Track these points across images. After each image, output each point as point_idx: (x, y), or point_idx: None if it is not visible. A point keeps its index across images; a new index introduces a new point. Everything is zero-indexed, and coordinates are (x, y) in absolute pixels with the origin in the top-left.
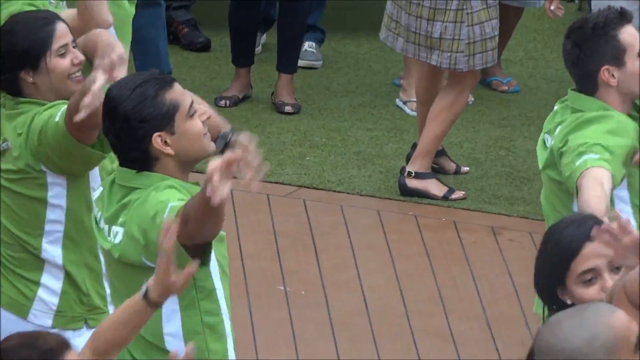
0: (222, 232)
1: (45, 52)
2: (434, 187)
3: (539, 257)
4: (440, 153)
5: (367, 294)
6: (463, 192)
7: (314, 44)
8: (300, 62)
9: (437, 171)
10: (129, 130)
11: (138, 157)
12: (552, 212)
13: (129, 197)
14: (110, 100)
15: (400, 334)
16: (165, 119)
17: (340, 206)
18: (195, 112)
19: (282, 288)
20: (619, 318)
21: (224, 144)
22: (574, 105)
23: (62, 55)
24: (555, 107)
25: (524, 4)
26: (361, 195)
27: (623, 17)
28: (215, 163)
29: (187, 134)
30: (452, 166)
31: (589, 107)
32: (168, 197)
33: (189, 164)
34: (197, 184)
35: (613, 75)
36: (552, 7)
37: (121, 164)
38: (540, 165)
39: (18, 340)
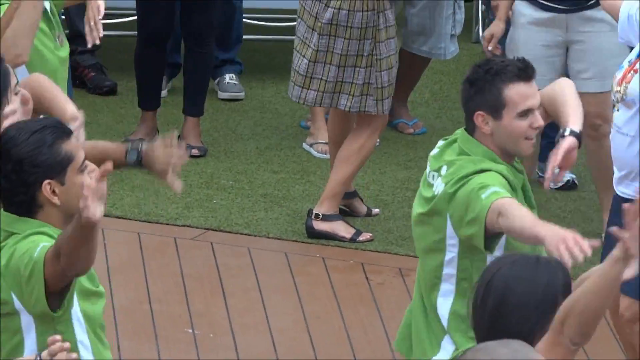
0: (101, 289)
1: None
2: (342, 229)
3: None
4: (353, 195)
5: (275, 336)
6: (370, 234)
7: (234, 75)
8: (224, 95)
9: (348, 213)
10: (20, 173)
11: (23, 202)
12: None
13: (6, 241)
14: (7, 141)
15: None
16: (58, 168)
17: (248, 248)
18: (86, 167)
19: (190, 331)
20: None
21: (136, 154)
22: (462, 145)
23: None
24: (440, 144)
25: (432, 55)
26: (268, 237)
27: (522, 72)
28: (89, 181)
29: (75, 187)
30: (363, 208)
31: (475, 151)
32: (36, 242)
33: (71, 218)
34: None
35: (487, 123)
36: (489, 47)
37: (5, 208)
38: (420, 204)
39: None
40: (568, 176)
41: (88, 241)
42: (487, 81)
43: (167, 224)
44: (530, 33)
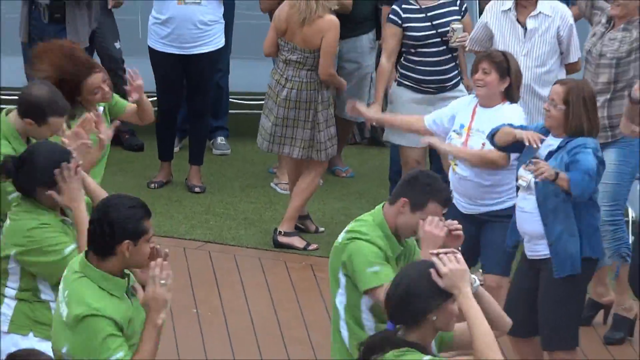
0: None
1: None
2: (297, 241)
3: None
4: (306, 217)
5: (253, 317)
6: (317, 245)
7: (224, 138)
8: (217, 152)
9: (302, 230)
10: (113, 229)
11: (105, 247)
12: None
13: (79, 280)
14: (110, 206)
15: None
16: (137, 236)
17: (234, 255)
18: (151, 238)
19: (195, 311)
20: None
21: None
22: (375, 213)
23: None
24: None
25: (355, 119)
26: (247, 247)
27: (447, 201)
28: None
29: (142, 252)
30: (313, 227)
31: (377, 218)
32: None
33: (129, 268)
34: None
35: (403, 206)
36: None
37: (89, 244)
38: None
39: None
40: None
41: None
42: (425, 189)
43: (179, 238)
44: (410, 107)
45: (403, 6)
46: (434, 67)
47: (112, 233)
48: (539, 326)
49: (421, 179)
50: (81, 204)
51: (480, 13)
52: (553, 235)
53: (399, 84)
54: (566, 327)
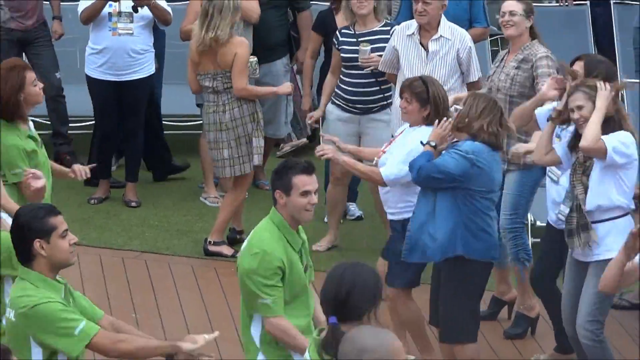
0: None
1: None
2: (226, 249)
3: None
4: (237, 231)
5: (187, 317)
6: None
7: None
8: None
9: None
10: (21, 234)
11: (23, 252)
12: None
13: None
14: (18, 213)
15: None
16: (45, 232)
17: (168, 263)
18: (67, 234)
19: (134, 315)
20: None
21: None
22: (271, 216)
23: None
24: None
25: (275, 135)
26: (180, 256)
27: (306, 169)
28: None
29: (57, 247)
30: (244, 239)
31: (275, 219)
32: (69, 319)
33: (56, 268)
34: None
35: (282, 198)
36: (309, 121)
37: (16, 255)
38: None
39: None
40: (358, 212)
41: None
42: (283, 171)
43: (117, 249)
44: (337, 125)
45: (342, 30)
46: (359, 88)
47: (22, 235)
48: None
49: (279, 168)
50: None
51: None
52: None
53: (332, 102)
54: (458, 319)
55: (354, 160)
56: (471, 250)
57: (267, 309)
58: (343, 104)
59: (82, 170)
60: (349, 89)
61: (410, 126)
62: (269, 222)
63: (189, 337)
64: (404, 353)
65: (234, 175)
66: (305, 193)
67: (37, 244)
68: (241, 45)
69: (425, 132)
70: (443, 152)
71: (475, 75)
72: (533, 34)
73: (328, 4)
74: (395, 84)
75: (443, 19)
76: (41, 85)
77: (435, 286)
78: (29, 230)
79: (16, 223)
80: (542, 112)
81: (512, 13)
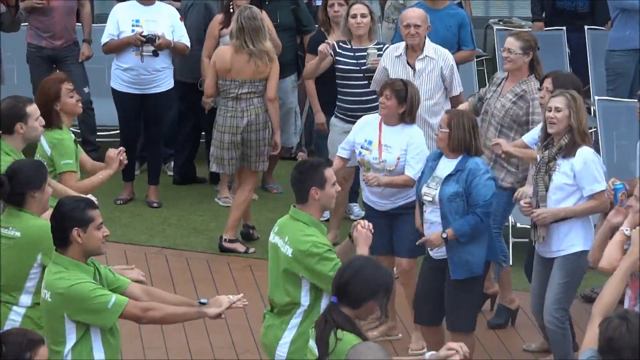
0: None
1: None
2: (239, 246)
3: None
4: (251, 228)
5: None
6: (254, 249)
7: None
8: (170, 173)
9: (247, 237)
10: (61, 221)
11: (61, 239)
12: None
13: (50, 267)
14: (60, 202)
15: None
16: (83, 222)
17: (186, 258)
18: (102, 226)
19: None
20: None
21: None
22: (293, 215)
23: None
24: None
25: (285, 144)
26: (197, 252)
27: (327, 162)
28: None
29: (92, 237)
30: (256, 235)
31: (302, 217)
32: (103, 294)
33: (88, 255)
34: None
35: (317, 193)
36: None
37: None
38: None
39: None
40: (362, 212)
41: (185, 321)
42: (314, 169)
43: (140, 245)
44: (342, 137)
45: (340, 44)
46: (357, 97)
47: (62, 223)
48: (445, 312)
49: (307, 167)
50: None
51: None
52: (450, 243)
53: (335, 115)
54: (465, 313)
55: (388, 178)
56: (489, 253)
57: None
58: (345, 115)
59: (116, 154)
60: (349, 99)
61: (385, 123)
62: (297, 223)
63: (215, 301)
64: None
65: (253, 168)
66: (334, 183)
67: (75, 232)
68: (275, 61)
69: (416, 133)
70: (455, 176)
71: (457, 90)
72: (532, 68)
73: None
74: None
75: (427, 40)
76: (79, 97)
77: (422, 288)
78: (69, 219)
79: (58, 211)
80: (530, 140)
81: (509, 50)
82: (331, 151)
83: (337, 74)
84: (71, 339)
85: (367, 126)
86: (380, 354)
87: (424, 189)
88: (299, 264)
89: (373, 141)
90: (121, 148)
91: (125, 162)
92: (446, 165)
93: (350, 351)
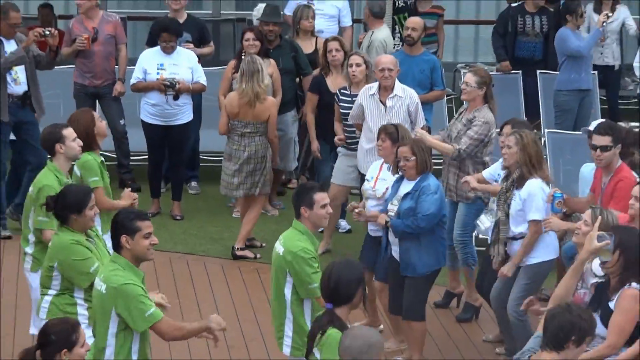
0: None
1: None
2: (249, 253)
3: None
4: (252, 239)
5: (217, 301)
6: (260, 255)
7: (196, 182)
8: (191, 191)
9: (251, 246)
10: (115, 229)
11: (115, 244)
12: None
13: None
14: (117, 213)
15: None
16: (131, 230)
17: (204, 262)
18: (150, 235)
19: (177, 300)
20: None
21: None
22: (294, 225)
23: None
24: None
25: (286, 168)
26: (213, 257)
27: (321, 188)
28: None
29: (139, 244)
30: (258, 244)
31: (299, 227)
32: (144, 304)
33: (137, 260)
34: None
35: (306, 211)
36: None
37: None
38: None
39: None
40: (347, 226)
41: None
42: (305, 191)
43: (166, 252)
44: (343, 159)
45: (341, 91)
46: (353, 133)
47: (115, 230)
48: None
49: (301, 189)
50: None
51: None
52: (402, 248)
53: (347, 148)
54: (414, 305)
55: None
56: (437, 261)
57: (315, 292)
58: (346, 145)
59: (129, 195)
60: (348, 133)
61: (384, 162)
62: (294, 230)
63: (215, 319)
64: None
65: (245, 195)
66: (324, 206)
67: (123, 238)
68: (274, 105)
69: None
70: (408, 193)
71: (421, 123)
72: (487, 98)
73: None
74: (360, 131)
75: (397, 81)
76: (105, 121)
77: (393, 283)
78: (121, 227)
79: (114, 220)
80: (489, 175)
81: (467, 84)
82: (335, 173)
83: (341, 113)
84: (112, 333)
85: (373, 168)
86: (375, 333)
87: (389, 206)
88: (287, 263)
89: (374, 176)
90: (136, 195)
91: (136, 205)
92: (406, 186)
93: (344, 338)
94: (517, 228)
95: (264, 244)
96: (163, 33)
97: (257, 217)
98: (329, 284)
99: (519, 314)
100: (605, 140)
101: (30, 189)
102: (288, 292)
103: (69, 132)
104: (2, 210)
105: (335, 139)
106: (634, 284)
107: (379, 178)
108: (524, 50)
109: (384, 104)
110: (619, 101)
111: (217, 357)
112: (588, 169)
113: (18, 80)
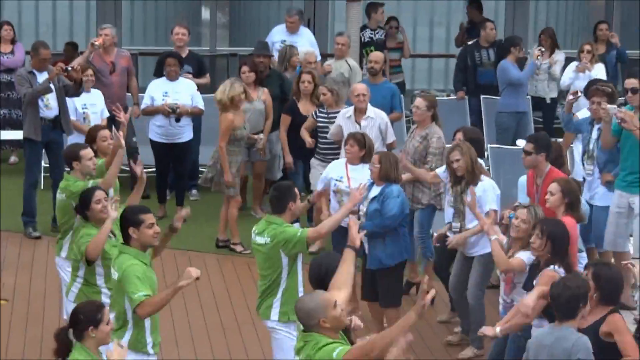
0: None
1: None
2: (239, 247)
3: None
4: (235, 242)
5: (214, 288)
6: (250, 250)
7: (196, 191)
8: (192, 198)
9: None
10: (123, 222)
11: (124, 236)
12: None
13: (120, 255)
14: (126, 211)
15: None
16: (135, 222)
17: (203, 257)
18: (153, 225)
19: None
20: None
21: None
22: (268, 220)
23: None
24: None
25: (272, 177)
26: (210, 253)
27: (291, 186)
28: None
29: (144, 233)
30: (238, 249)
31: (276, 221)
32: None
33: (144, 246)
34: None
35: (293, 205)
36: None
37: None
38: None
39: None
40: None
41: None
42: (287, 189)
43: (170, 249)
44: (318, 169)
45: (319, 110)
46: (330, 145)
47: (123, 223)
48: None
49: (284, 188)
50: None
51: None
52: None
53: (315, 157)
54: (393, 294)
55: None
56: (403, 253)
57: (304, 232)
58: (322, 157)
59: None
60: (323, 146)
61: (350, 163)
62: (269, 223)
63: (185, 275)
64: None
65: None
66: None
67: (130, 229)
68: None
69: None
70: (374, 198)
71: (390, 139)
72: (434, 117)
73: None
74: (341, 146)
75: (369, 105)
76: (111, 142)
77: (366, 272)
78: (127, 220)
79: (122, 215)
80: (441, 174)
81: (417, 107)
82: (312, 181)
83: (317, 129)
84: (130, 315)
85: (337, 167)
86: (321, 296)
87: (361, 207)
88: (278, 242)
89: (343, 176)
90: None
91: (145, 177)
92: (373, 191)
93: (296, 304)
94: (471, 223)
95: (241, 250)
96: (168, 58)
97: (226, 215)
98: (320, 273)
99: (477, 297)
100: (528, 146)
101: (58, 195)
102: (285, 277)
103: (85, 152)
104: (33, 215)
105: (307, 143)
106: (556, 267)
107: (350, 177)
108: (484, 78)
109: (359, 124)
110: (555, 121)
111: (215, 340)
112: (524, 179)
113: (50, 106)
